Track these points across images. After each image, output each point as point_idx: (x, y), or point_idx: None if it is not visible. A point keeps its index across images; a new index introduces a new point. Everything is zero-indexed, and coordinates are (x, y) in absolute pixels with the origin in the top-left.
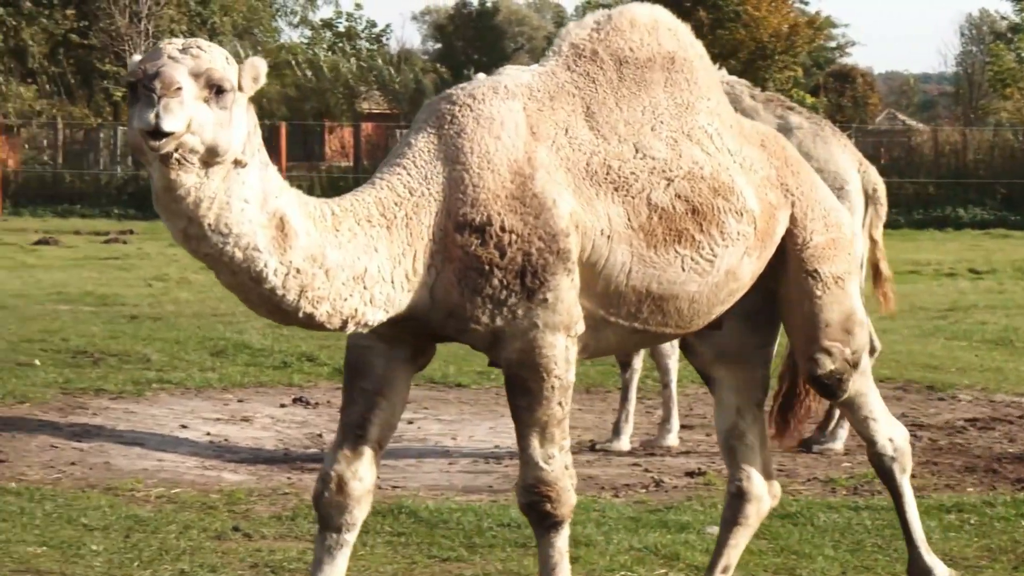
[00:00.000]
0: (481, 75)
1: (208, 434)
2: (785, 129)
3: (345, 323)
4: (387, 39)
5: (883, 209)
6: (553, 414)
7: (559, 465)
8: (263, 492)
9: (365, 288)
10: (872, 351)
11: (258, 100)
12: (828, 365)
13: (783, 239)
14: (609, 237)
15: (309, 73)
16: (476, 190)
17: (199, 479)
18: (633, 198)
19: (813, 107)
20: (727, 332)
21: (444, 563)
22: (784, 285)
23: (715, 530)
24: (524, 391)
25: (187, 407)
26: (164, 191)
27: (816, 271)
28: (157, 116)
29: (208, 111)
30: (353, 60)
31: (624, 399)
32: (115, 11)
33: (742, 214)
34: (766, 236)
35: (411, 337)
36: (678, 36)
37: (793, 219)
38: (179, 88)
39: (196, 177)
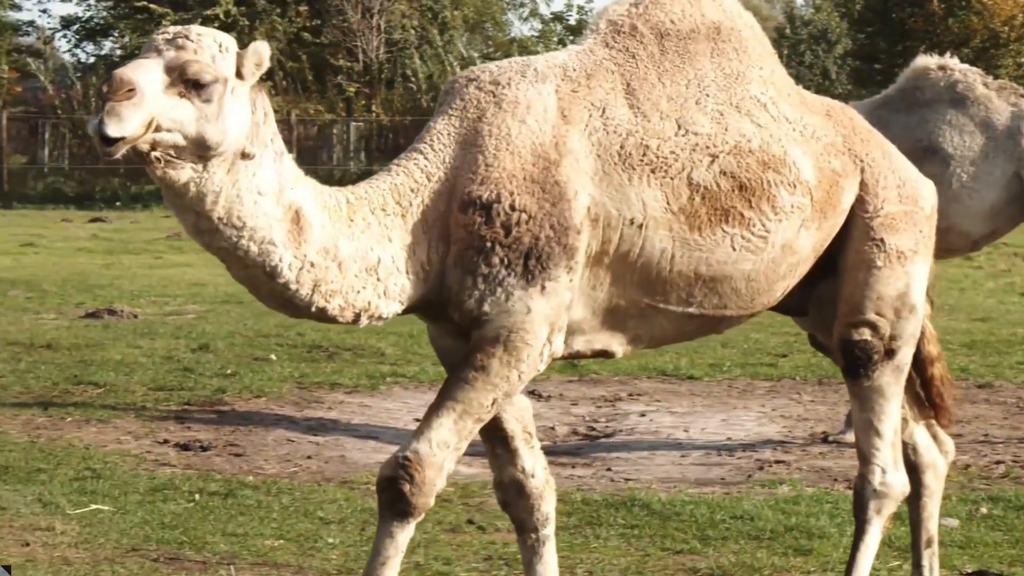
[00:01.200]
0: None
1: None
2: (1019, 117)
3: (358, 316)
4: None
5: None
6: (482, 404)
7: (442, 459)
8: None
9: (379, 280)
10: None
11: None
12: (866, 334)
13: (852, 207)
14: (641, 226)
15: None
16: (488, 169)
17: None
18: (672, 179)
19: None
20: None
21: (677, 555)
22: (844, 251)
23: (951, 522)
24: (479, 366)
25: (421, 401)
26: (164, 188)
27: (881, 240)
28: (101, 122)
29: (188, 106)
30: None
31: None
32: (347, 7)
33: (795, 186)
34: (826, 206)
35: (451, 325)
36: (723, 5)
37: (864, 185)
38: (131, 90)
39: (191, 172)
